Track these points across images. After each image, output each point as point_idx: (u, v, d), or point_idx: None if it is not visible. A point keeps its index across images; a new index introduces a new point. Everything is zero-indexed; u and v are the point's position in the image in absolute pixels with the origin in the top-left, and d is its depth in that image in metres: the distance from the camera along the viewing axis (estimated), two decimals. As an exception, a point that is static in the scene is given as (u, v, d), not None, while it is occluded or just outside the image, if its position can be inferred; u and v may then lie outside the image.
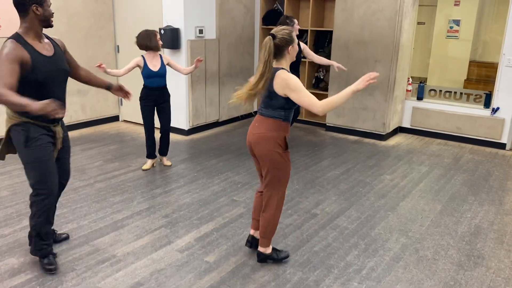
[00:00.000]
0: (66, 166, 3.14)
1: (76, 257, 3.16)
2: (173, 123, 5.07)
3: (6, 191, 4.26)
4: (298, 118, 6.85)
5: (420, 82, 6.75)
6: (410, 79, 6.71)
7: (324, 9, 7.06)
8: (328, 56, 6.60)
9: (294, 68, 5.24)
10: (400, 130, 6.76)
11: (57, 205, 3.84)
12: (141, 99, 4.86)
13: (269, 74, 2.75)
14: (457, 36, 8.13)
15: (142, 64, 4.65)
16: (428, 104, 6.51)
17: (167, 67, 4.80)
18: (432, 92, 6.68)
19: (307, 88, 3.01)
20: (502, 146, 6.01)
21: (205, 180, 4.66)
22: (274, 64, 2.84)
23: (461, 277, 3.05)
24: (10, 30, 4.23)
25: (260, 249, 3.13)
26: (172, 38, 5.82)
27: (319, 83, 7.18)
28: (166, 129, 4.93)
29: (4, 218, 3.70)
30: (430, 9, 8.25)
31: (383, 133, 6.28)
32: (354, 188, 4.57)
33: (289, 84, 2.76)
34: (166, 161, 5.08)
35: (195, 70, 5.02)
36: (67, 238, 3.39)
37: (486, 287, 2.95)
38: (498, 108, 5.94)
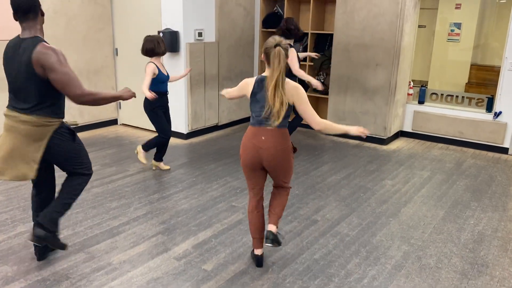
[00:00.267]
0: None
1: (71, 264, 3.09)
2: (172, 127, 4.99)
3: (1, 196, 4.19)
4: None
5: (422, 86, 6.69)
6: (411, 83, 6.65)
7: (325, 12, 7.01)
8: (329, 60, 6.54)
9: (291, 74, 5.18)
10: (401, 134, 6.69)
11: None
12: (153, 106, 4.65)
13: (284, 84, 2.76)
14: (458, 39, 8.07)
15: (156, 71, 4.59)
16: (430, 108, 6.44)
17: None
18: (434, 96, 6.62)
19: (308, 92, 2.99)
20: (504, 150, 5.94)
21: (203, 185, 4.59)
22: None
23: (464, 286, 2.98)
24: (9, 34, 4.17)
25: (275, 229, 2.99)
26: (171, 41, 5.76)
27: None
28: (170, 134, 4.89)
29: (-1, 224, 3.64)
30: (431, 12, 8.20)
31: (384, 137, 6.21)
32: (355, 193, 4.50)
33: (299, 94, 2.81)
34: (165, 166, 5.02)
35: (188, 74, 5.01)
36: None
37: (491, 297, 2.89)
38: (500, 112, 5.88)
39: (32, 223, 3.62)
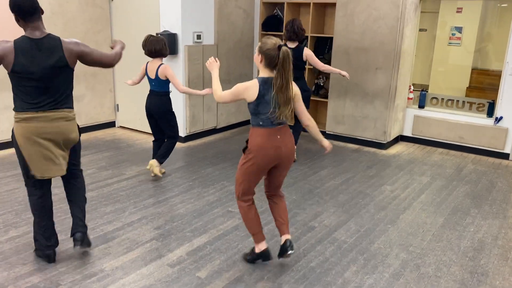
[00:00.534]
0: None
1: (62, 271, 3.03)
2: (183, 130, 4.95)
3: (-5, 199, 4.14)
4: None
5: (422, 90, 6.63)
6: (412, 87, 6.59)
7: (325, 15, 6.96)
8: (328, 63, 6.48)
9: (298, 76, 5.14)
10: (401, 138, 6.63)
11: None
12: (171, 107, 4.71)
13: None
14: (459, 43, 8.02)
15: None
16: (430, 112, 6.38)
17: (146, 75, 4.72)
18: (434, 100, 6.56)
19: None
20: (505, 156, 5.87)
21: (200, 190, 4.53)
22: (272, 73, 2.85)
23: (464, 297, 2.92)
24: (8, 34, 4.14)
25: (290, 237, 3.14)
26: (169, 43, 5.69)
27: (319, 90, 7.06)
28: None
29: (-9, 229, 3.58)
30: (432, 16, 8.15)
31: (384, 142, 6.15)
32: (353, 199, 4.44)
33: (298, 92, 2.95)
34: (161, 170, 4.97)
35: (187, 76, 4.92)
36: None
37: (491, 308, 2.82)
38: (501, 117, 5.82)
39: (23, 227, 3.57)
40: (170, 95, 4.66)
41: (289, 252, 3.05)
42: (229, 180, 4.81)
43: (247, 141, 2.99)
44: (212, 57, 3.20)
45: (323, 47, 6.95)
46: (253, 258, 3.19)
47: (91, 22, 6.28)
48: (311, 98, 6.79)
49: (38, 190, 3.01)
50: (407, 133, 6.57)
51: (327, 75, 6.91)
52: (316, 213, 4.09)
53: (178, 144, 6.08)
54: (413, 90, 6.65)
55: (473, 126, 6.02)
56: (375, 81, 6.02)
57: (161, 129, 4.75)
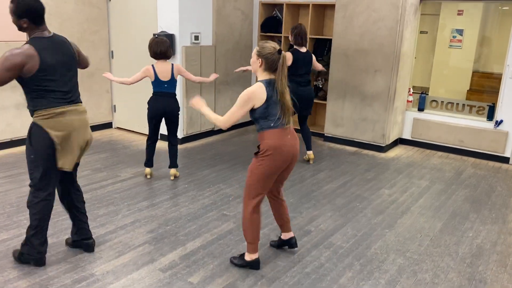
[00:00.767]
0: None
1: (51, 275, 2.97)
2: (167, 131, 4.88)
3: (-13, 201, 4.09)
4: (295, 128, 6.65)
5: (422, 93, 6.57)
6: (411, 90, 6.53)
7: (324, 17, 6.91)
8: (327, 65, 6.43)
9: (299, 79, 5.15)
10: (400, 141, 6.57)
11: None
12: None
13: None
14: (460, 46, 7.97)
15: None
16: (430, 115, 6.32)
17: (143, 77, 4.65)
18: (434, 103, 6.50)
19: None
20: (505, 160, 5.81)
21: (195, 193, 4.47)
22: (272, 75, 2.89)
23: (461, 304, 2.86)
24: (7, 35, 4.08)
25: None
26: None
27: (318, 92, 7.01)
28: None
29: (-19, 231, 3.53)
30: (433, 18, 8.09)
31: (383, 145, 6.09)
32: (351, 203, 4.38)
33: None
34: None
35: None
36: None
37: (488, 316, 2.76)
38: (501, 121, 5.75)
39: (14, 230, 3.52)
40: None
41: (295, 248, 3.39)
42: (226, 183, 4.76)
43: (258, 146, 2.95)
44: (196, 97, 3.08)
45: (322, 49, 6.90)
46: (241, 264, 3.15)
47: (88, 23, 6.23)
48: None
49: (45, 192, 2.96)
50: (407, 136, 6.51)
51: (326, 77, 6.86)
52: (313, 216, 4.03)
53: (175, 146, 6.03)
54: (413, 92, 6.59)
55: (473, 129, 5.96)
56: (374, 83, 5.96)
57: (158, 131, 4.71)
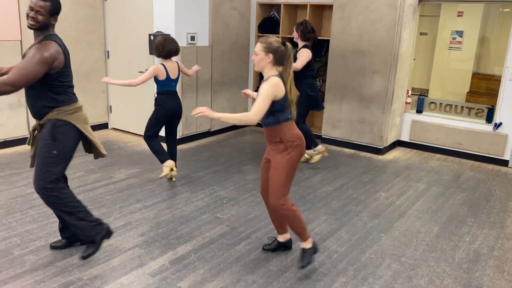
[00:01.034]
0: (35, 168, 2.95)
1: (38, 279, 2.91)
2: (162, 132, 4.80)
3: (-23, 202, 4.03)
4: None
5: (420, 95, 6.50)
6: (410, 91, 6.47)
7: (322, 17, 6.84)
8: (324, 66, 6.36)
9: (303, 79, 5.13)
10: (398, 143, 6.50)
11: (27, 219, 3.65)
12: None
13: None
14: (460, 48, 7.90)
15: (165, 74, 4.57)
16: (428, 117, 6.25)
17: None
18: (432, 105, 6.43)
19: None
20: (504, 163, 5.74)
21: (189, 195, 4.41)
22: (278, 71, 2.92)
23: (456, 311, 2.79)
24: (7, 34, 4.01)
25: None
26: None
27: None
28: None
29: (-31, 233, 3.47)
30: (433, 20, 8.03)
31: (381, 147, 6.02)
32: (346, 206, 4.31)
33: None
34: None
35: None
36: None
37: (484, 324, 2.69)
38: (500, 123, 5.69)
39: (2, 233, 3.45)
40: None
41: (289, 250, 3.41)
42: (220, 185, 4.69)
43: (278, 141, 2.93)
44: (199, 108, 2.77)
45: (320, 50, 6.84)
46: (314, 252, 3.15)
47: (84, 22, 6.17)
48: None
49: (63, 182, 3.01)
50: (405, 138, 6.45)
51: (323, 78, 6.79)
52: (307, 220, 3.96)
53: (171, 147, 5.97)
54: (412, 94, 6.52)
55: (472, 132, 5.89)
56: (372, 85, 5.89)
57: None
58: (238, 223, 3.85)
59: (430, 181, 5.12)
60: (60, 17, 6.25)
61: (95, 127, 6.63)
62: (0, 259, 3.12)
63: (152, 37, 5.65)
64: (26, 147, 5.64)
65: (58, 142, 2.86)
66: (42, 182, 2.86)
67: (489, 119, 5.85)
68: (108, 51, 6.53)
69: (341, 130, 6.27)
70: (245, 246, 3.46)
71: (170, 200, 4.27)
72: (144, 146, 6.00)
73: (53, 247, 3.27)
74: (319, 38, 6.66)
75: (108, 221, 3.75)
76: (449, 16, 7.83)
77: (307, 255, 3.10)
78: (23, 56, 2.80)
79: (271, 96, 2.80)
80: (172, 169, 4.67)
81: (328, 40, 6.43)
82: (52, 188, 2.87)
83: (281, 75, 2.88)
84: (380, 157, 5.97)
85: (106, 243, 3.39)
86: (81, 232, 3.01)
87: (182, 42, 5.79)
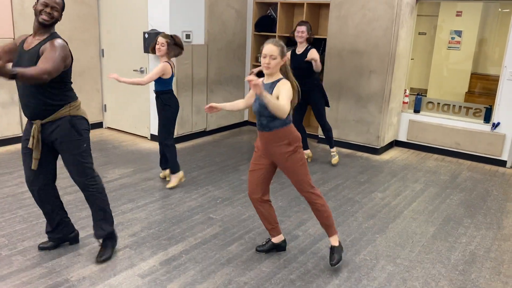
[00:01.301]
0: (68, 169, 2.99)
1: (24, 280, 2.85)
2: (156, 132, 4.75)
3: (-33, 202, 3.97)
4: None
5: (417, 94, 6.45)
6: (407, 91, 6.41)
7: (319, 16, 6.79)
8: (321, 65, 6.29)
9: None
10: (396, 143, 6.44)
11: (17, 219, 3.59)
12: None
13: None
14: (458, 47, 7.85)
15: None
16: (426, 117, 6.20)
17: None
18: (430, 104, 6.37)
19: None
20: (502, 163, 5.68)
21: (182, 195, 4.35)
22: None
23: (451, 314, 2.73)
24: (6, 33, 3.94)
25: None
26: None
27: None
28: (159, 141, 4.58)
29: (-43, 233, 3.41)
30: (432, 19, 7.98)
31: (377, 147, 5.97)
32: (342, 206, 4.25)
33: None
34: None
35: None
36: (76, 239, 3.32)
37: (480, 327, 2.63)
38: (498, 123, 5.63)
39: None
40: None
41: (283, 251, 3.37)
42: (214, 185, 4.64)
43: (288, 142, 2.94)
44: (251, 76, 2.62)
45: (317, 49, 6.76)
46: (341, 251, 3.18)
47: (79, 21, 6.11)
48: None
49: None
50: (402, 138, 6.39)
51: (321, 77, 6.72)
52: (302, 221, 3.90)
53: (165, 147, 5.91)
54: (409, 94, 6.47)
55: (469, 132, 5.84)
56: (369, 84, 5.84)
57: None
58: (231, 223, 3.79)
59: (427, 181, 5.06)
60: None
61: (90, 127, 6.57)
62: (-13, 259, 3.07)
63: (146, 35, 5.59)
64: (18, 146, 5.57)
65: (83, 135, 2.97)
66: (84, 179, 2.97)
67: (487, 119, 5.80)
68: (103, 50, 6.47)
69: (338, 130, 6.21)
70: (237, 247, 3.40)
71: (163, 200, 4.22)
72: (139, 145, 5.96)
73: (42, 248, 3.21)
74: (316, 37, 6.61)
75: (99, 221, 3.70)
76: (448, 16, 7.78)
77: (338, 252, 3.14)
78: (26, 51, 2.76)
79: (290, 95, 2.82)
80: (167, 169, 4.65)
81: (325, 39, 6.38)
82: (95, 178, 3.03)
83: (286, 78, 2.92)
84: (377, 157, 5.92)
85: (95, 244, 3.33)
86: (104, 225, 3.11)
87: (177, 41, 5.73)
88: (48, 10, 2.74)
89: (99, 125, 6.73)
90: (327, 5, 6.41)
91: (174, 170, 4.50)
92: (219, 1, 6.24)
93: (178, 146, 5.97)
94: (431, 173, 5.36)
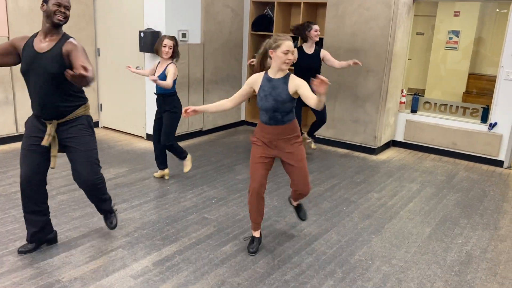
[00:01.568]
0: (77, 167, 2.99)
1: (15, 281, 2.81)
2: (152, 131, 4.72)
3: (-41, 202, 3.93)
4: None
5: (415, 94, 6.42)
6: (404, 91, 6.39)
7: (316, 16, 6.76)
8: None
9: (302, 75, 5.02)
10: (393, 144, 6.42)
11: (9, 219, 3.55)
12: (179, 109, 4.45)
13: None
14: (456, 48, 7.83)
15: None
16: (423, 117, 6.17)
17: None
18: (427, 104, 6.35)
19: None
20: (499, 163, 5.66)
21: (177, 195, 4.32)
22: None
23: (446, 316, 2.71)
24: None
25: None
26: (152, 41, 5.48)
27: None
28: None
29: None
30: (429, 19, 7.96)
31: (374, 147, 5.94)
32: (337, 207, 4.23)
33: None
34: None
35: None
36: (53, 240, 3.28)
37: (475, 329, 2.61)
38: (495, 123, 5.61)
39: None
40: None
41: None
42: (210, 185, 4.61)
43: (297, 134, 3.14)
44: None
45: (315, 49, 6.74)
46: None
47: (74, 19, 6.06)
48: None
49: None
50: (399, 138, 6.37)
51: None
52: (297, 221, 3.87)
53: (161, 146, 5.87)
54: (406, 94, 6.44)
55: (466, 132, 5.82)
56: (366, 84, 5.81)
57: None
58: (225, 223, 3.76)
59: (423, 181, 5.04)
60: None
61: (86, 126, 6.54)
62: (-23, 260, 3.03)
63: (142, 34, 5.56)
64: (13, 146, 5.55)
65: (94, 134, 3.13)
66: (93, 174, 3.01)
67: (484, 119, 5.78)
68: (98, 49, 6.43)
69: (335, 130, 6.18)
70: (231, 247, 3.37)
71: (158, 200, 4.18)
72: (135, 145, 5.93)
73: (22, 252, 3.12)
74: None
75: (93, 222, 3.67)
76: (446, 16, 7.76)
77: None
78: (42, 54, 2.77)
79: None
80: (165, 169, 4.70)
81: (322, 39, 6.35)
82: (101, 176, 3.09)
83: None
84: (373, 157, 5.89)
85: (88, 244, 3.31)
86: (105, 208, 3.31)
87: (173, 40, 5.69)
88: (62, 9, 2.78)
89: (94, 124, 6.65)
90: (324, 4, 6.38)
91: (184, 157, 4.65)
92: (216, 0, 6.21)
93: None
94: (427, 173, 5.34)
